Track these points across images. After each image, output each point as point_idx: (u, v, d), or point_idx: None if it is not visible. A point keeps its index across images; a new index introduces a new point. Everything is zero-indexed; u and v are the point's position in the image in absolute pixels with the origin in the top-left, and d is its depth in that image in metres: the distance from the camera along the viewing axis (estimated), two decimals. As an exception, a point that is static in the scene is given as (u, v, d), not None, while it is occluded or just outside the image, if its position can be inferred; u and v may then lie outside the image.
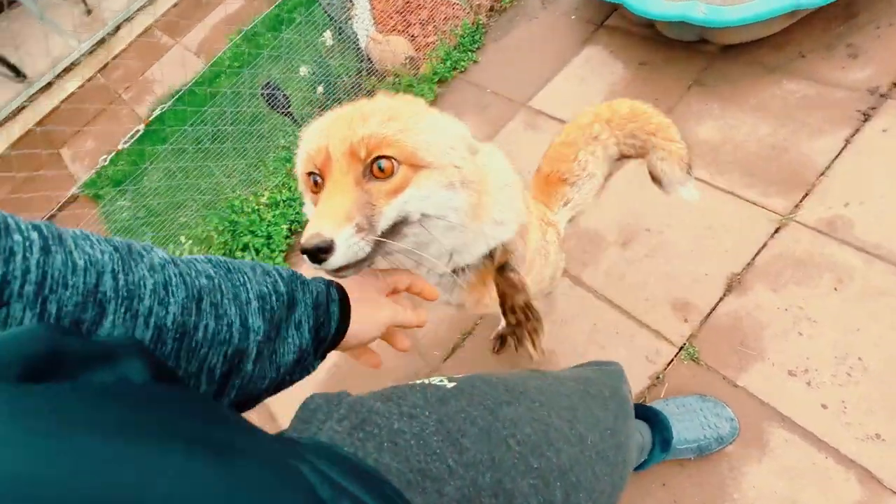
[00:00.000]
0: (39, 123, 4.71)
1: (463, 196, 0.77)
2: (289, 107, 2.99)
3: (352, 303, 0.70)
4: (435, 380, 0.73)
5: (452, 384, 0.71)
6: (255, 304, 0.57)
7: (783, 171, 2.15)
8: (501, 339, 2.10)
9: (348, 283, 0.73)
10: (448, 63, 3.25)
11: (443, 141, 0.77)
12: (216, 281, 0.54)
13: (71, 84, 4.93)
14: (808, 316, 1.85)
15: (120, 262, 0.47)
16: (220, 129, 3.15)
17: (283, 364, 0.61)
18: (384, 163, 0.70)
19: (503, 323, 1.60)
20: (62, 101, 4.82)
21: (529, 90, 2.96)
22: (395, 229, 0.72)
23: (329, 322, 0.66)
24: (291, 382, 0.65)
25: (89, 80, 4.95)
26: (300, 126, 3.12)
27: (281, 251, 2.90)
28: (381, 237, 0.69)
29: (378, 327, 0.73)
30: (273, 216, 2.93)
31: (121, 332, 0.45)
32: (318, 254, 0.64)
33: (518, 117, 2.88)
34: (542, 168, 1.58)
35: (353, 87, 3.08)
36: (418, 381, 0.73)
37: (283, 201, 2.97)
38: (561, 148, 1.51)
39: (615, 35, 2.94)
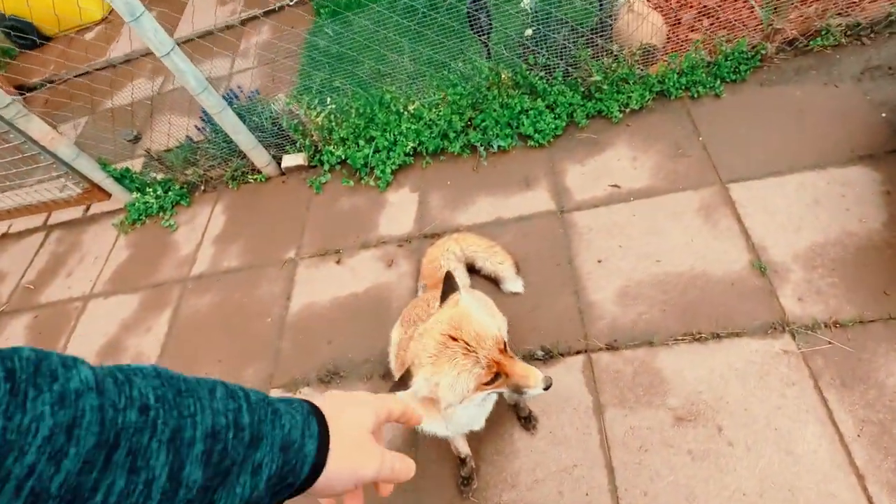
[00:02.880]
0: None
1: None
2: (488, 33, 2.68)
3: (334, 443, 0.56)
4: None
5: None
6: (199, 446, 0.43)
7: (958, 516, 1.41)
8: (468, 479, 1.83)
9: (339, 417, 0.60)
10: (684, 80, 2.57)
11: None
12: (153, 414, 0.41)
13: None
14: None
15: (7, 394, 0.34)
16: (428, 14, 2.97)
17: None
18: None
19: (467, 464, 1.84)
20: None
21: (742, 169, 2.24)
22: None
23: (299, 467, 0.52)
24: None
25: None
26: (490, 59, 2.81)
27: (395, 164, 2.84)
28: None
29: (356, 481, 0.59)
30: (407, 128, 2.82)
31: None
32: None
33: (702, 192, 2.24)
34: (427, 286, 2.20)
35: (562, 50, 2.62)
36: None
37: (426, 120, 2.82)
38: (429, 265, 2.20)
39: (915, 174, 2.01)
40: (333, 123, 2.96)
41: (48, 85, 4.72)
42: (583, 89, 2.70)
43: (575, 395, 1.90)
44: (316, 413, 0.57)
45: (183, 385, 0.46)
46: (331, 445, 0.56)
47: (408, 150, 2.85)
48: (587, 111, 2.66)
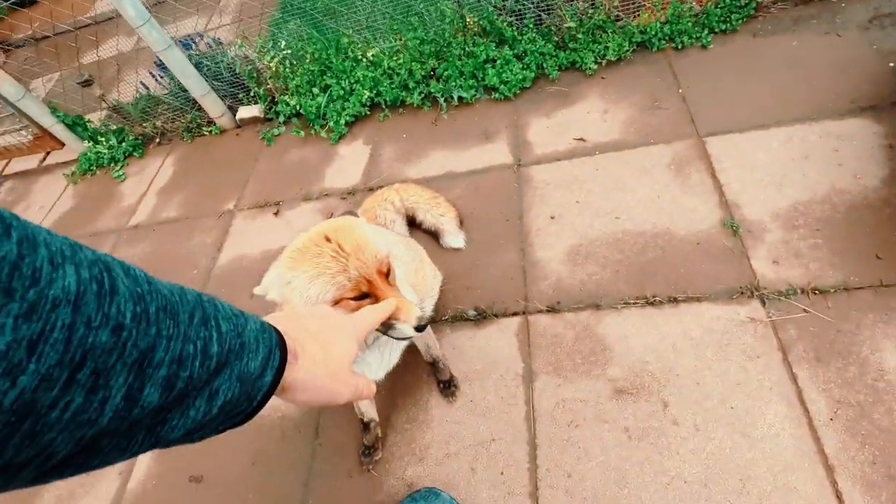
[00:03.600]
0: None
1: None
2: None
3: (320, 372, 0.63)
4: None
5: None
6: (164, 370, 0.42)
7: (949, 523, 1.11)
8: (371, 448, 1.57)
9: (330, 350, 0.66)
10: (668, 29, 2.29)
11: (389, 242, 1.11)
12: (125, 335, 0.38)
13: None
14: None
15: None
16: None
17: (163, 439, 0.46)
18: (390, 273, 1.02)
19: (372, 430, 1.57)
20: None
21: (723, 122, 1.96)
22: None
23: (254, 395, 0.53)
24: (145, 452, 0.49)
25: None
26: (458, 4, 2.57)
27: (350, 115, 2.62)
28: None
29: (331, 403, 0.68)
30: (364, 75, 2.59)
31: None
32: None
33: (676, 146, 1.97)
34: None
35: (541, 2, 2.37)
36: None
37: (385, 68, 2.59)
38: (363, 215, 1.67)
39: (924, 128, 1.71)
40: (288, 70, 2.75)
41: (29, 42, 4.62)
42: (556, 38, 2.44)
43: (504, 360, 1.63)
44: (281, 346, 0.57)
45: (169, 303, 0.44)
46: (316, 376, 0.62)
47: (364, 101, 2.62)
48: (559, 62, 2.40)
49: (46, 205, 3.12)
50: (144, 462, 1.79)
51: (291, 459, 1.64)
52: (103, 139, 3.18)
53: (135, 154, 3.16)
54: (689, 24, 2.28)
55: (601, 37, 2.37)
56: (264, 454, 1.68)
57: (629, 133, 2.09)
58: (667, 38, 2.32)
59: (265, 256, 2.26)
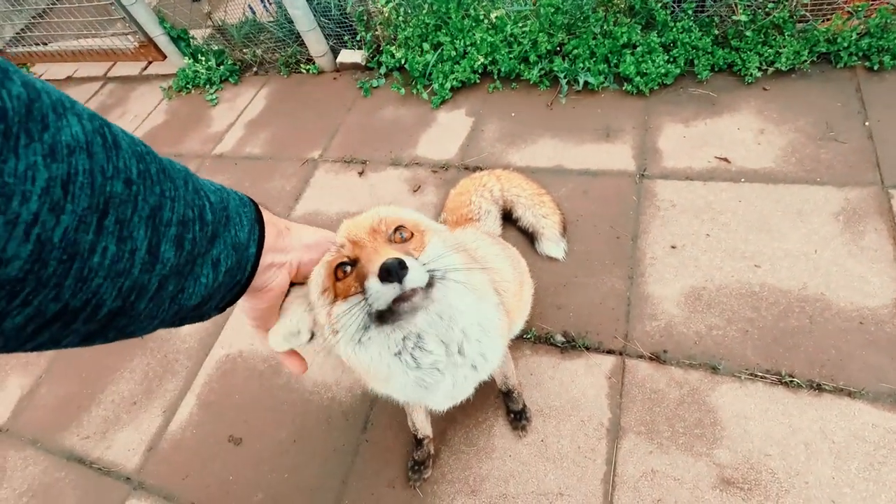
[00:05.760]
0: None
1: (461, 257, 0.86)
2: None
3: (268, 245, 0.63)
4: None
5: None
6: (173, 230, 0.46)
7: None
8: (421, 465, 1.40)
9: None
10: (865, 43, 1.86)
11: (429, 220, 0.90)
12: (135, 189, 0.42)
13: None
14: None
15: (1, 137, 0.32)
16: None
17: (185, 307, 0.51)
18: (404, 231, 0.82)
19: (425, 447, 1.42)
20: None
21: (922, 176, 1.57)
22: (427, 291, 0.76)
23: (245, 264, 0.58)
24: (172, 326, 0.55)
25: None
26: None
27: (457, 80, 2.37)
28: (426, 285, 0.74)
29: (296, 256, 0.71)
30: (482, 38, 2.32)
31: None
32: (398, 269, 0.68)
33: (849, 192, 1.60)
34: (447, 220, 1.71)
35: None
36: None
37: (506, 34, 2.30)
38: (457, 197, 1.76)
39: None
40: (401, 19, 2.52)
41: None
42: (716, 32, 2.05)
43: (588, 403, 1.41)
44: (259, 221, 0.61)
45: (166, 166, 0.47)
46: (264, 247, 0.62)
47: (476, 67, 2.36)
48: (713, 61, 2.03)
49: (141, 114, 3.13)
50: (188, 408, 1.75)
51: (334, 449, 1.53)
52: (203, 58, 3.11)
53: (230, 80, 3.08)
54: (896, 41, 1.83)
55: (774, 39, 1.97)
56: (307, 434, 1.58)
57: (789, 164, 1.73)
58: (860, 53, 1.88)
59: (341, 218, 2.11)
